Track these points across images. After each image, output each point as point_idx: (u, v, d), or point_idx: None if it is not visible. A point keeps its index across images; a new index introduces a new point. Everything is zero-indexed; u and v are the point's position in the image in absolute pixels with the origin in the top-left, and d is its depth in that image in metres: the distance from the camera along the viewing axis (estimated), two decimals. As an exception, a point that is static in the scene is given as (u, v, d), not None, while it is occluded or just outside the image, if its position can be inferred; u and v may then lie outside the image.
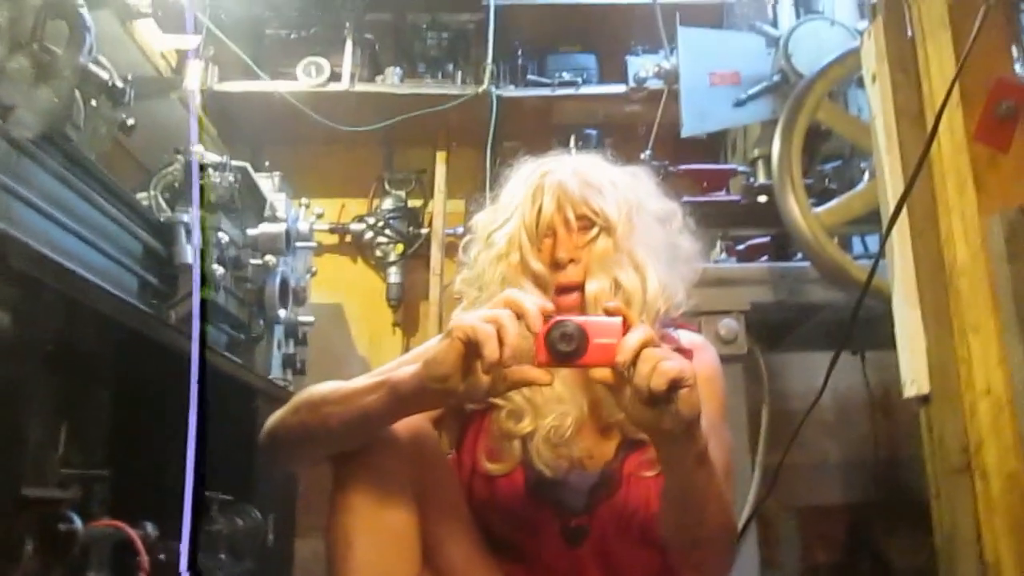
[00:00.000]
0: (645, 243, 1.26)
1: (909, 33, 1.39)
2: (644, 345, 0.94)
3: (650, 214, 1.31)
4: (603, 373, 0.97)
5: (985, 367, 1.17)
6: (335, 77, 3.01)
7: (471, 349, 0.96)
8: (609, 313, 0.99)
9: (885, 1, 1.44)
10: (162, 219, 1.95)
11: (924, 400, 1.26)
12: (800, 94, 1.71)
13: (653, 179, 1.37)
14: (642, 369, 0.93)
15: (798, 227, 1.60)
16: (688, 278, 1.30)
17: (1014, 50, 1.35)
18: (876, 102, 1.41)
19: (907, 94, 1.37)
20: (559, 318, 0.98)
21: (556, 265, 1.24)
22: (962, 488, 1.17)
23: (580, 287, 1.23)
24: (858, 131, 1.66)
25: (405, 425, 1.14)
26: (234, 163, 2.25)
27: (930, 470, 1.26)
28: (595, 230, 1.25)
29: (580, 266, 1.24)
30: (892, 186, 1.34)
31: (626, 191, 1.29)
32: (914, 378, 1.27)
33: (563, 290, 1.24)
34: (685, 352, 1.26)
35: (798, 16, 2.49)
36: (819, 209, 1.63)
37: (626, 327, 0.97)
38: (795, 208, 1.60)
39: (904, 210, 1.31)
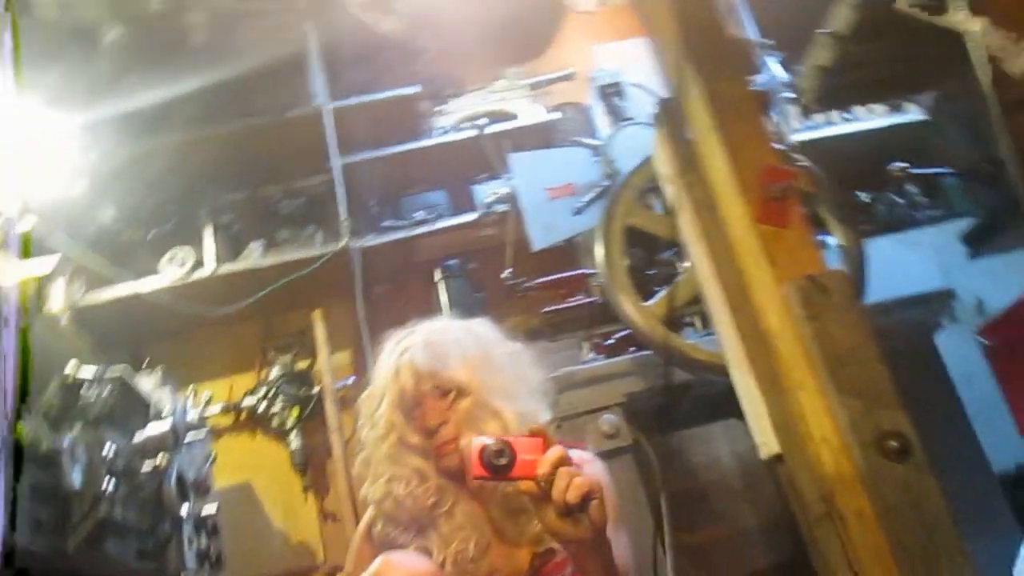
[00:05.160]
0: (497, 389, 1.46)
1: (689, 136, 1.57)
2: (560, 462, 1.12)
3: (498, 360, 1.51)
4: (528, 485, 1.13)
5: (817, 419, 1.28)
6: (200, 263, 3.03)
7: None
8: (531, 433, 1.17)
9: (664, 110, 1.63)
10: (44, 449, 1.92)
11: (779, 459, 1.37)
12: (610, 203, 1.87)
13: (494, 327, 1.58)
14: (559, 484, 1.10)
15: (633, 322, 1.74)
16: (544, 401, 1.51)
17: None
18: (675, 199, 1.57)
19: (699, 189, 1.54)
20: (488, 439, 1.15)
21: (429, 432, 1.44)
22: (829, 533, 1.27)
23: (455, 442, 1.43)
24: (669, 227, 1.81)
25: None
26: (109, 375, 2.25)
27: (801, 523, 1.36)
28: (452, 394, 1.45)
29: (451, 425, 1.44)
30: (704, 270, 1.49)
31: (472, 349, 1.49)
32: (764, 440, 1.38)
33: (442, 448, 1.43)
34: None
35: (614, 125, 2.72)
36: (650, 302, 1.76)
37: (545, 445, 1.14)
38: (627, 306, 1.74)
39: (720, 289, 1.45)
